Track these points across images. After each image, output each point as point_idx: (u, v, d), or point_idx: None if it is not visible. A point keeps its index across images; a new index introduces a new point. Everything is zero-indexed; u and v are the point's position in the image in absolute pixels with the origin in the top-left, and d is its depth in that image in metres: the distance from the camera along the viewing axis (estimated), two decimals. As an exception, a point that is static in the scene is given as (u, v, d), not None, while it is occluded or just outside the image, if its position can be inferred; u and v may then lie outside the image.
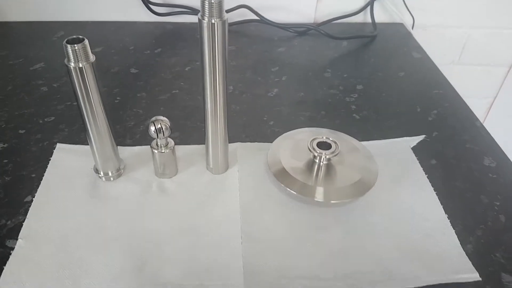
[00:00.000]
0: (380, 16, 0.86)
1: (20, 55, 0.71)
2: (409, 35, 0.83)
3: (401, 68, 0.72)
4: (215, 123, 0.44)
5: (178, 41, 0.79)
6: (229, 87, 0.65)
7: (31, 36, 0.78)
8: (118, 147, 0.49)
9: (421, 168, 0.50)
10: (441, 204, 0.45)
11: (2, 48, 0.73)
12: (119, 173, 0.48)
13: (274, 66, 0.71)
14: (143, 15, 0.82)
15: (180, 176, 0.48)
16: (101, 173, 0.47)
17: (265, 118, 0.59)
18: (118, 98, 0.62)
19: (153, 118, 0.44)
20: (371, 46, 0.79)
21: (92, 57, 0.39)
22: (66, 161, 0.49)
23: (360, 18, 0.86)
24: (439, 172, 0.50)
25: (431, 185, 0.48)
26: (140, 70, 0.69)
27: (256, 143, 0.53)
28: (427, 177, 0.49)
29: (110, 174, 0.47)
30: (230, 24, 0.82)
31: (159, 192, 0.46)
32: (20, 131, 0.54)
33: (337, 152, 0.45)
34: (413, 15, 0.84)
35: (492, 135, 0.57)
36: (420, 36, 0.84)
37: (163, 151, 0.46)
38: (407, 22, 0.86)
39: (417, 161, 0.51)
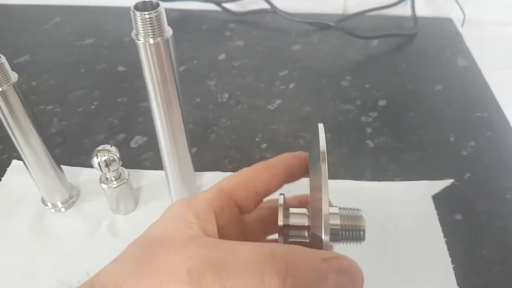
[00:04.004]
0: (423, 9, 0.72)
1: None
2: (457, 35, 0.69)
3: (439, 79, 0.59)
4: (172, 155, 0.36)
5: (180, 33, 0.69)
6: (224, 94, 0.56)
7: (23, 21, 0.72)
8: (77, 168, 0.44)
9: (440, 228, 0.39)
10: None
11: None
12: (70, 202, 0.41)
13: (284, 69, 0.61)
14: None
15: (138, 214, 0.41)
16: (49, 204, 0.41)
17: (257, 139, 0.49)
18: (95, 103, 0.54)
19: (100, 147, 0.36)
20: (406, 47, 0.66)
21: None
22: (17, 183, 0.43)
23: (399, 10, 0.72)
24: (462, 233, 0.39)
25: (450, 254, 0.37)
26: (129, 68, 0.60)
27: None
28: (446, 241, 0.38)
29: (59, 205, 0.41)
30: (243, 14, 0.72)
31: (108, 234, 0.39)
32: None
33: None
34: (465, 9, 0.69)
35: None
36: (471, 36, 0.69)
37: (114, 186, 0.38)
38: (458, 17, 0.71)
39: (437, 218, 0.40)
